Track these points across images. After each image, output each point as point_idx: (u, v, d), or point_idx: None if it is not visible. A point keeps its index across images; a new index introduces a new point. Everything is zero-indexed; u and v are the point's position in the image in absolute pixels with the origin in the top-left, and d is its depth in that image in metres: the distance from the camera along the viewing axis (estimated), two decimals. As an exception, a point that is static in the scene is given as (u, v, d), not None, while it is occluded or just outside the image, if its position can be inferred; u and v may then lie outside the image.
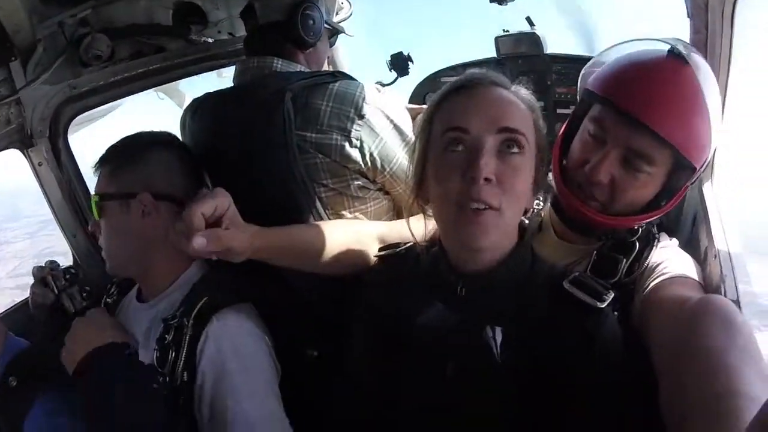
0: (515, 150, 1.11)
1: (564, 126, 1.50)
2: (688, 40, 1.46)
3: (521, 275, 1.19)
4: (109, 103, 2.39)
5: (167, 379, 1.41)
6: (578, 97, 1.50)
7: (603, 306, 1.10)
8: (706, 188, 1.52)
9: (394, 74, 2.64)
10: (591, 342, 1.08)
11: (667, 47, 1.34)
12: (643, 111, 1.28)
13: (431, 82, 3.11)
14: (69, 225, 2.26)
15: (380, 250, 1.46)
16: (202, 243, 1.13)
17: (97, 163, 1.63)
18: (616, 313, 1.17)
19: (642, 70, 1.35)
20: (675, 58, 1.33)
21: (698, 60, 1.34)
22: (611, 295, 1.12)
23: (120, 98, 2.42)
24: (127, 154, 1.62)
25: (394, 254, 1.42)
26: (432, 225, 1.32)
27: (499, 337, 1.11)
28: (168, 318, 1.47)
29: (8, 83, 1.94)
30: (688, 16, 1.49)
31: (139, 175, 1.57)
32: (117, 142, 1.65)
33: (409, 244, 1.41)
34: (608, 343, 1.09)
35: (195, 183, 1.66)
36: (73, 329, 1.53)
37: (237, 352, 1.41)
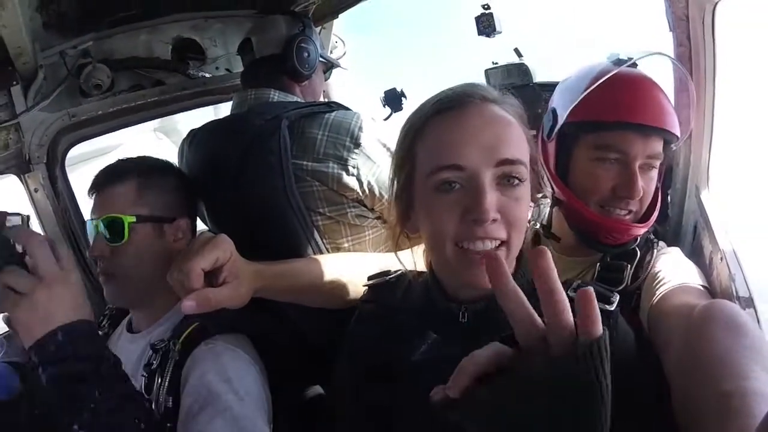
0: (516, 183, 0.98)
1: (554, 161, 1.50)
2: (672, 55, 1.50)
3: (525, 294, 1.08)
4: (106, 133, 2.37)
5: (153, 406, 1.34)
6: (549, 129, 1.50)
7: (612, 309, 1.01)
8: (704, 195, 1.51)
9: (388, 110, 2.63)
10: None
11: (607, 59, 1.45)
12: (648, 114, 1.34)
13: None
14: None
15: (369, 278, 1.34)
16: (192, 306, 1.02)
17: (110, 177, 1.55)
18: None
19: (616, 86, 1.38)
20: (620, 63, 1.42)
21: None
22: (617, 297, 1.04)
23: (117, 129, 2.40)
24: (147, 173, 1.57)
25: (384, 283, 1.30)
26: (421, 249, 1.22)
27: None
28: (155, 343, 1.41)
29: (9, 108, 1.92)
30: (670, 30, 1.49)
31: (171, 198, 1.57)
32: (127, 159, 1.61)
33: (398, 272, 1.29)
34: (621, 345, 1.00)
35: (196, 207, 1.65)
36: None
37: (224, 375, 1.32)
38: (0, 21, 1.42)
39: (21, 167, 2.07)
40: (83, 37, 2.03)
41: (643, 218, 1.43)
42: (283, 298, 1.35)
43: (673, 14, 1.46)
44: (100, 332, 1.70)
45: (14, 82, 1.83)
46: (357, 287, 1.37)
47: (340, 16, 2.57)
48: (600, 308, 0.92)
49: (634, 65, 1.45)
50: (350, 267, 1.42)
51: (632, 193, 1.37)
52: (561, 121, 1.45)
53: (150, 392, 1.36)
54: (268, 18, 2.08)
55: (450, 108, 1.01)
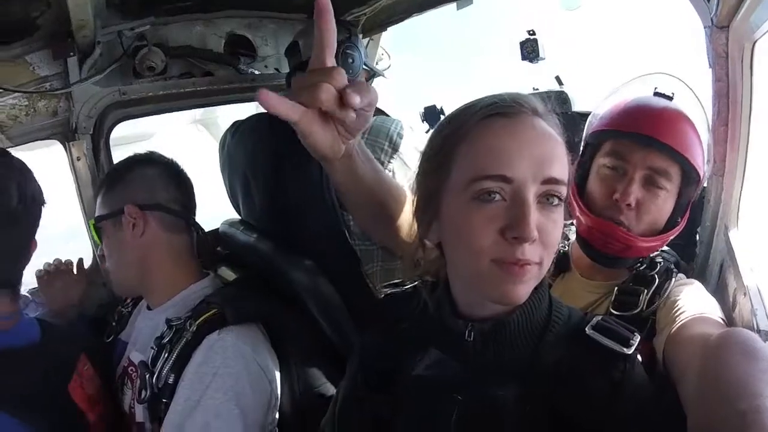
0: (557, 203, 0.89)
1: (574, 171, 1.47)
2: (710, 89, 1.49)
3: (538, 321, 0.98)
4: (153, 114, 2.40)
5: (154, 378, 1.35)
6: (582, 145, 1.54)
7: (630, 352, 0.92)
8: (733, 234, 1.46)
9: (425, 126, 2.62)
10: (619, 391, 0.90)
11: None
12: (656, 129, 1.35)
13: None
14: (96, 223, 2.17)
15: (385, 287, 1.28)
16: (357, 98, 0.82)
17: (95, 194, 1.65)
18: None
19: (640, 104, 1.45)
20: (660, 96, 1.48)
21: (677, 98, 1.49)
22: (637, 338, 0.95)
23: (164, 112, 2.45)
24: (112, 177, 1.63)
25: (400, 293, 1.20)
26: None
27: (514, 390, 0.92)
28: (171, 319, 1.42)
29: (62, 77, 1.97)
30: (710, 66, 1.48)
31: (123, 191, 1.56)
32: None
33: (415, 283, 1.18)
34: (637, 390, 0.93)
35: (181, 193, 1.62)
36: None
37: (221, 372, 1.33)
38: None
39: (67, 135, 2.11)
40: (142, 20, 2.07)
41: (641, 234, 1.40)
42: (354, 183, 1.15)
43: (714, 51, 1.44)
44: (123, 310, 1.77)
45: (71, 53, 1.88)
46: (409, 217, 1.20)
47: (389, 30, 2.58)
48: (616, 351, 0.92)
49: (669, 98, 1.47)
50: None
51: (623, 197, 1.36)
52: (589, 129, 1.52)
53: (154, 364, 1.37)
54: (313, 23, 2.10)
55: (503, 115, 0.90)
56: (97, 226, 1.59)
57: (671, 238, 1.44)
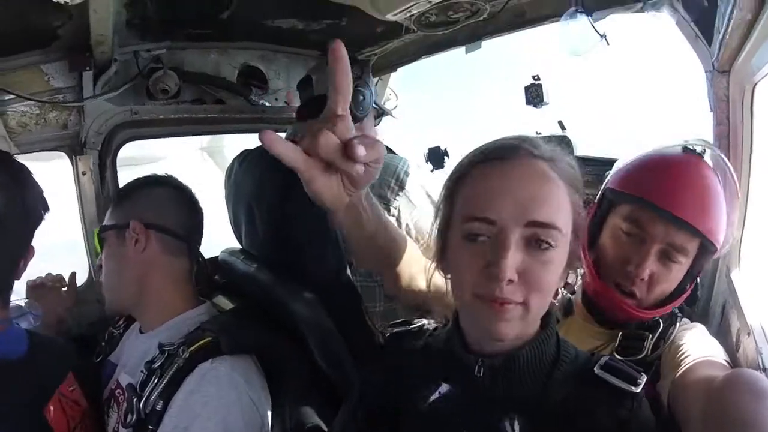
0: (545, 247, 0.90)
1: (588, 225, 1.44)
2: (711, 133, 1.51)
3: (547, 359, 0.99)
4: (162, 137, 2.43)
5: (141, 402, 1.31)
6: (599, 194, 1.50)
7: (638, 390, 0.95)
8: (735, 275, 1.47)
9: (429, 166, 2.64)
10: (626, 429, 0.92)
11: (680, 145, 1.39)
12: (677, 206, 1.29)
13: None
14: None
15: (391, 326, 1.25)
16: (362, 150, 0.81)
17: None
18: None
19: (665, 167, 1.38)
20: (689, 153, 1.38)
21: (708, 152, 1.40)
22: (644, 378, 0.97)
23: (173, 136, 2.47)
24: (126, 191, 1.66)
25: (405, 332, 1.21)
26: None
27: (522, 425, 0.93)
28: (164, 344, 1.38)
29: (76, 91, 2.01)
30: (711, 110, 1.50)
31: (132, 207, 1.58)
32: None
33: (421, 322, 1.21)
34: (644, 428, 0.95)
35: (190, 220, 1.63)
36: None
37: (211, 401, 1.29)
38: (93, 5, 1.51)
39: (74, 148, 2.12)
40: (159, 43, 2.13)
41: (650, 306, 1.37)
42: (357, 229, 1.16)
43: (715, 95, 1.48)
44: (114, 331, 1.73)
45: (87, 68, 1.91)
46: (409, 265, 1.28)
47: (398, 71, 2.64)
48: (624, 389, 0.95)
49: (700, 155, 1.38)
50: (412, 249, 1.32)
51: (637, 271, 1.33)
52: (605, 185, 1.46)
53: (143, 389, 1.33)
54: (325, 60, 2.15)
55: (495, 158, 0.96)
56: (101, 236, 1.59)
57: (677, 306, 1.41)
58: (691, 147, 1.38)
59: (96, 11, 1.56)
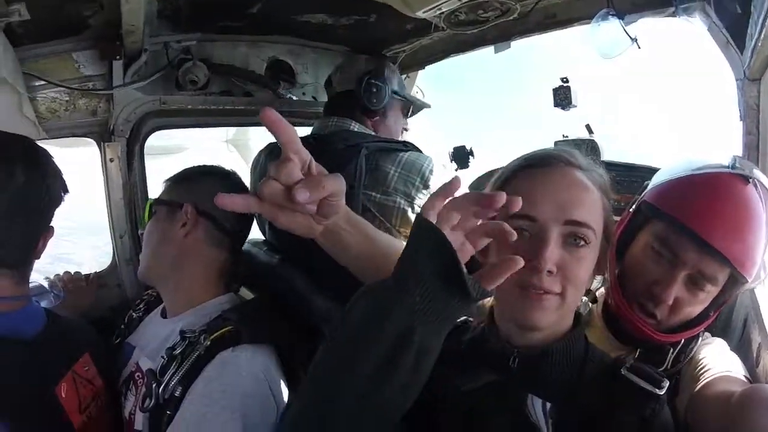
0: (582, 244, 1.01)
1: (618, 234, 1.40)
2: (740, 143, 1.48)
3: (576, 357, 1.07)
4: (189, 127, 2.44)
5: (161, 388, 1.33)
6: (634, 206, 1.42)
7: (661, 393, 1.01)
8: (757, 289, 1.39)
9: (454, 165, 2.61)
10: (648, 428, 0.98)
11: (726, 163, 1.30)
12: (715, 235, 1.21)
13: (489, 176, 3.04)
14: (120, 225, 2.22)
15: None
16: (305, 195, 0.85)
17: (165, 180, 1.68)
18: None
19: (706, 189, 1.28)
20: (736, 176, 1.27)
21: (758, 174, 1.28)
22: (667, 383, 1.03)
23: (201, 126, 2.50)
24: (189, 173, 1.67)
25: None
26: None
27: (551, 416, 1.00)
28: (185, 331, 1.40)
29: (105, 79, 2.03)
30: (741, 119, 1.48)
31: (189, 190, 1.60)
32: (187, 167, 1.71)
33: (465, 318, 1.25)
34: (664, 429, 1.00)
35: (239, 217, 1.63)
36: None
37: (230, 390, 1.29)
38: None
39: (103, 135, 2.15)
40: (189, 34, 2.14)
41: (669, 329, 1.32)
42: (342, 251, 1.21)
43: (745, 103, 1.46)
44: (134, 314, 1.76)
45: (117, 57, 1.93)
46: None
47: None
48: (649, 390, 1.01)
49: (748, 180, 1.26)
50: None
51: (662, 295, 1.28)
52: (641, 197, 1.39)
53: (163, 374, 1.35)
54: (354, 56, 2.16)
55: (537, 165, 1.07)
56: (153, 207, 1.62)
57: (696, 333, 1.35)
58: (739, 169, 1.27)
59: (128, 2, 1.57)
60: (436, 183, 1.66)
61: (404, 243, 1.26)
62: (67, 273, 2.04)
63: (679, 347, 1.32)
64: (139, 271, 1.65)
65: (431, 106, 2.34)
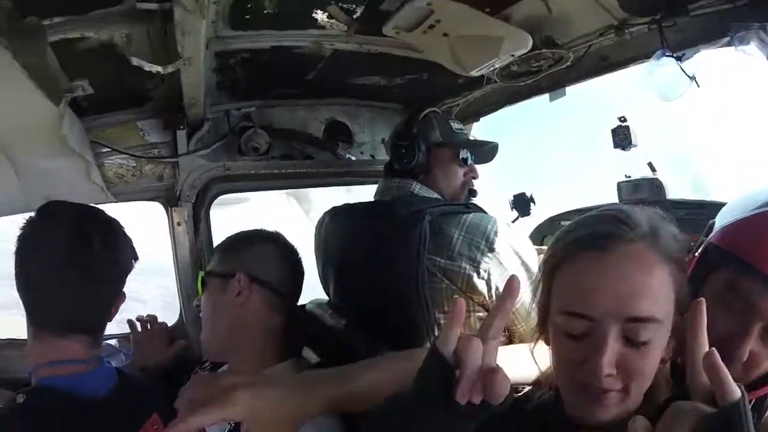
0: (645, 340, 0.89)
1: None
2: None
3: None
4: (253, 190, 2.50)
5: None
6: (701, 248, 1.24)
7: None
8: None
9: (515, 213, 2.55)
10: None
11: None
12: None
13: (550, 224, 2.98)
14: (187, 286, 2.28)
15: None
16: None
17: (213, 250, 1.70)
18: None
19: None
20: None
21: None
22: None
23: (264, 190, 2.54)
24: (236, 241, 1.67)
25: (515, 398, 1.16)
26: None
27: None
28: None
29: (171, 146, 2.15)
30: None
31: (240, 258, 1.59)
32: (231, 235, 1.72)
33: (526, 389, 1.18)
34: None
35: (292, 277, 1.63)
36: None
37: None
38: (185, 73, 1.62)
39: (170, 200, 2.25)
40: (249, 101, 2.24)
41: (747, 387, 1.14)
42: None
43: None
44: (201, 372, 1.78)
45: (181, 126, 2.05)
46: None
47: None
48: None
49: None
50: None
51: (735, 350, 1.07)
52: (707, 239, 1.21)
53: None
54: (408, 113, 2.16)
55: (589, 247, 0.94)
56: (205, 280, 1.62)
57: None
58: None
59: (188, 78, 1.67)
60: (501, 245, 1.61)
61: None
62: (140, 317, 2.05)
63: (753, 402, 1.11)
64: (202, 348, 1.65)
65: (498, 145, 2.12)
